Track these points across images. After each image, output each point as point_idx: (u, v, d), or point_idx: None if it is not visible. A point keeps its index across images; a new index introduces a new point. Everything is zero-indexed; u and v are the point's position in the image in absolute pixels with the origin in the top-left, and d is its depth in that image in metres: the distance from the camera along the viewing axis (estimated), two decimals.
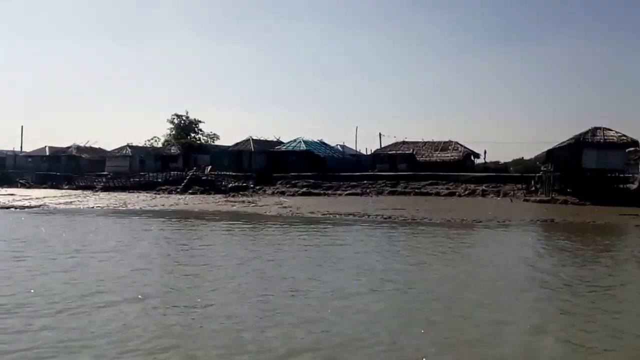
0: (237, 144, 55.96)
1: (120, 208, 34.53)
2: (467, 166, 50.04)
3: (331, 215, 28.40)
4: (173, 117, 70.63)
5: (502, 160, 55.29)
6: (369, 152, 60.45)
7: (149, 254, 14.63)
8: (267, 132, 74.27)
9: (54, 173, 60.44)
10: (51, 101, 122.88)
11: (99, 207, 35.10)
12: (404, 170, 50.02)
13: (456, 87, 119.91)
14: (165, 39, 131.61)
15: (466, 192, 42.06)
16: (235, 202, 38.19)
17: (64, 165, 63.92)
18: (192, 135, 70.58)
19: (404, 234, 20.30)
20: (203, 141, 68.31)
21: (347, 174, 47.70)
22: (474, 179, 44.57)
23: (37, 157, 66.58)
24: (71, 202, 38.59)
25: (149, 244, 16.45)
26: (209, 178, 49.89)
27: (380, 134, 62.71)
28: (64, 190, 51.51)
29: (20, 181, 57.83)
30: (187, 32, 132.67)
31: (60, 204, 36.99)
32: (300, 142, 53.56)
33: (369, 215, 27.93)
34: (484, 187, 42.74)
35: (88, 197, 43.09)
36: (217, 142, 68.04)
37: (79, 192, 49.83)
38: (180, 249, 15.76)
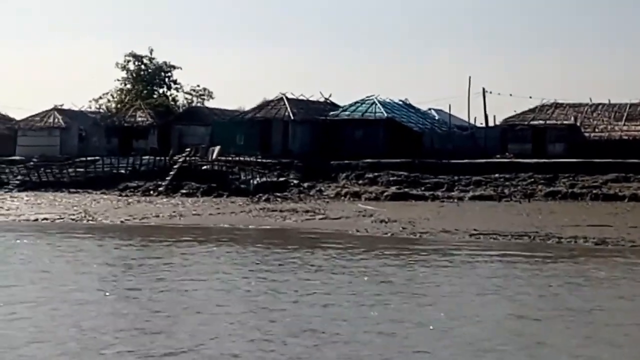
0: (259, 108, 55.27)
1: (83, 222, 34.93)
2: None
3: (491, 238, 28.35)
4: (128, 58, 70.43)
5: None
6: (479, 122, 59.70)
7: None
8: (304, 89, 71.28)
9: None
10: None
11: (45, 219, 35.25)
12: (561, 154, 49.40)
13: None
14: None
15: None
16: (282, 211, 38.04)
17: None
18: (162, 91, 70.42)
19: None
20: (185, 101, 67.94)
21: (462, 161, 47.09)
22: None
23: None
24: None
25: None
26: (215, 168, 49.30)
27: (483, 90, 61.35)
28: None
29: None
30: None
31: None
32: (374, 103, 52.90)
33: (559, 239, 27.96)
34: None
35: (8, 202, 43.28)
36: (210, 104, 67.75)
37: None
38: None
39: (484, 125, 58.37)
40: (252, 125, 53.69)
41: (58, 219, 35.54)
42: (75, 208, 39.66)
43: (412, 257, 23.49)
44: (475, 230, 29.70)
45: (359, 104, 53.73)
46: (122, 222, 34.77)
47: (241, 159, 49.72)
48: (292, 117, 52.43)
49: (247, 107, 62.03)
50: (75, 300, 16.47)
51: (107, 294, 17.29)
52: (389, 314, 15.21)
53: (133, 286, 18.34)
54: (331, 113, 54.12)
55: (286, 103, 53.79)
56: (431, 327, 14.02)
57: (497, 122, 57.17)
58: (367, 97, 54.11)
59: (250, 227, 33.01)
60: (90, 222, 34.85)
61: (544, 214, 35.89)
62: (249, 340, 13.11)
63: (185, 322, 14.58)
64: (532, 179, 45.20)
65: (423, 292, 17.76)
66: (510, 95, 62.31)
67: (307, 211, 37.89)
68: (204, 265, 21.96)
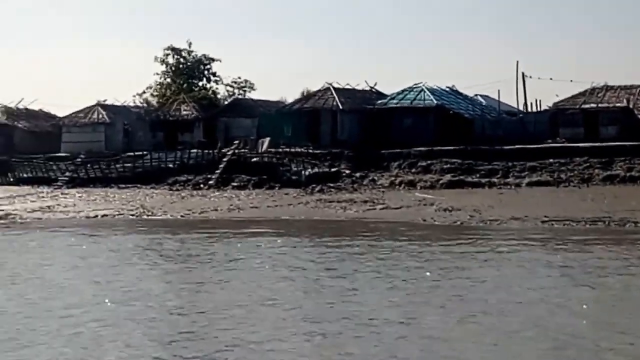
0: (306, 98, 54.95)
1: (143, 217, 35.10)
2: None
3: (564, 225, 28.02)
4: (167, 52, 70.33)
5: None
6: (522, 108, 59.16)
7: None
8: (344, 78, 71.24)
9: None
10: None
11: (105, 215, 35.46)
12: (615, 137, 48.56)
13: None
14: None
15: None
16: (339, 202, 37.86)
17: None
18: (201, 84, 70.38)
19: None
20: (227, 94, 67.83)
21: (515, 147, 46.55)
22: None
23: None
24: (47, 207, 38.81)
25: None
26: (265, 160, 49.12)
27: (523, 75, 60.75)
28: None
29: None
30: None
31: (33, 210, 37.23)
32: (422, 90, 52.34)
33: (635, 224, 27.95)
34: None
35: (62, 199, 43.27)
36: (251, 96, 67.56)
37: (26, 188, 49.78)
38: None
39: (523, 110, 58.00)
40: (300, 116, 53.39)
41: (117, 214, 35.76)
42: (131, 204, 39.72)
43: (498, 245, 23.22)
44: (546, 217, 29.40)
45: (407, 92, 53.10)
46: (182, 216, 34.89)
47: (292, 150, 49.39)
48: (340, 107, 52.04)
49: (288, 99, 62.23)
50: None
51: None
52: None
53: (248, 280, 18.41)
54: (379, 102, 53.58)
55: (333, 93, 53.40)
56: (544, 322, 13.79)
57: (543, 107, 56.75)
58: (415, 84, 53.51)
59: (314, 218, 33.07)
60: (151, 217, 34.95)
61: (608, 198, 35.35)
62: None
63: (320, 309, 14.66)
64: (588, 164, 44.56)
65: (529, 281, 17.55)
66: (551, 79, 61.78)
67: (365, 201, 37.63)
68: (305, 258, 21.84)
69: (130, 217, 35.06)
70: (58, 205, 39.72)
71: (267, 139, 50.50)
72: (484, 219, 29.97)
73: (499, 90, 56.69)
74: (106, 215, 35.32)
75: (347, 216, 33.32)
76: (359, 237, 26.06)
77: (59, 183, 51.19)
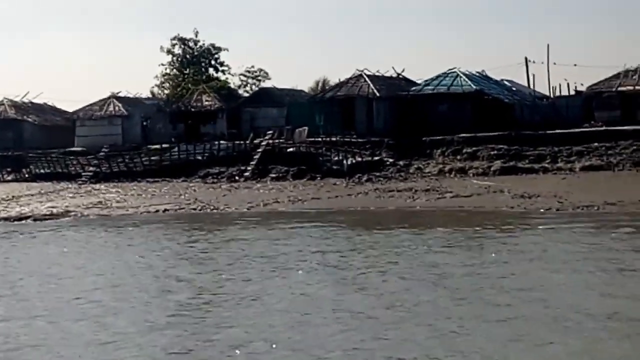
0: (338, 86, 54.11)
1: (208, 212, 34.41)
2: None
3: None
4: (174, 42, 69.45)
5: None
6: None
7: None
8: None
9: None
10: None
11: (166, 210, 34.98)
12: None
13: None
14: None
15: None
16: (399, 191, 37.40)
17: None
18: (209, 74, 69.72)
19: None
20: (240, 83, 67.38)
21: (558, 132, 46.25)
22: None
23: None
24: (99, 203, 38.08)
25: None
26: (302, 150, 48.32)
27: (526, 60, 60.47)
28: (13, 185, 50.31)
29: None
30: None
31: (88, 207, 36.40)
32: (458, 76, 51.72)
33: None
34: None
35: (101, 195, 42.29)
36: (264, 85, 67.04)
37: (48, 184, 48.66)
38: None
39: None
40: (333, 105, 52.61)
41: (178, 209, 35.10)
42: (182, 197, 38.96)
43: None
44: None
45: (442, 78, 52.42)
46: (247, 209, 34.19)
47: (329, 139, 48.52)
48: (377, 94, 51.29)
49: (300, 87, 61.59)
50: None
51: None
52: None
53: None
54: (413, 88, 52.93)
55: (367, 80, 52.63)
56: None
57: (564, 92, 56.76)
58: (450, 70, 52.81)
59: (389, 208, 32.66)
60: (215, 211, 34.24)
61: None
62: None
63: None
64: (635, 146, 44.31)
65: None
66: (555, 64, 61.22)
67: (426, 190, 36.97)
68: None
69: (193, 211, 34.40)
70: (107, 200, 38.78)
71: (305, 128, 49.63)
72: (576, 204, 29.58)
73: (533, 75, 56.78)
74: (167, 210, 34.72)
75: (422, 205, 32.94)
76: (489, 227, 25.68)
77: (82, 178, 50.10)
